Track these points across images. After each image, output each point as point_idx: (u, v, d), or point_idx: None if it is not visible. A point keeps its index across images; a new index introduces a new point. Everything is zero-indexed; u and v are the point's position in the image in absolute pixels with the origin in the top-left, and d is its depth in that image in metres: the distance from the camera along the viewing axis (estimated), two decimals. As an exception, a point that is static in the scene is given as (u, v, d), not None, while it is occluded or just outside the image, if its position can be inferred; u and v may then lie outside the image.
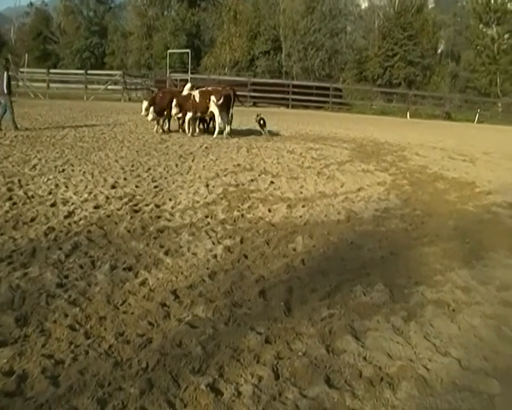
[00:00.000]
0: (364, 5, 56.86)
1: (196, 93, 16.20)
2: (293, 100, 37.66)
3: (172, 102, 16.05)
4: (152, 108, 16.61)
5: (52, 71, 40.83)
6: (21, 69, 41.07)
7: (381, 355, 3.80)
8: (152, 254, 5.68)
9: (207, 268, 5.38)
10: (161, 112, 16.86)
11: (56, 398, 3.23)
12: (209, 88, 17.07)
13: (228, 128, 16.42)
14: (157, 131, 16.98)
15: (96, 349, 3.75)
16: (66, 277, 4.99)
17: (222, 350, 3.79)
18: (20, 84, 35.91)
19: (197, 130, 17.12)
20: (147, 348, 3.80)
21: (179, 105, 16.04)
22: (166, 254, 5.73)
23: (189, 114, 16.32)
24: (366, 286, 4.98)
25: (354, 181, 10.24)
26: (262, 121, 17.19)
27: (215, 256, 5.73)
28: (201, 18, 55.37)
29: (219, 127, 16.25)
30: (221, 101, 15.59)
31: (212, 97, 15.69)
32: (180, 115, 16.66)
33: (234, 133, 16.84)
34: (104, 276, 5.02)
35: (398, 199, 8.98)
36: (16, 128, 15.44)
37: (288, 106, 37.63)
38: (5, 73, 15.49)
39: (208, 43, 54.69)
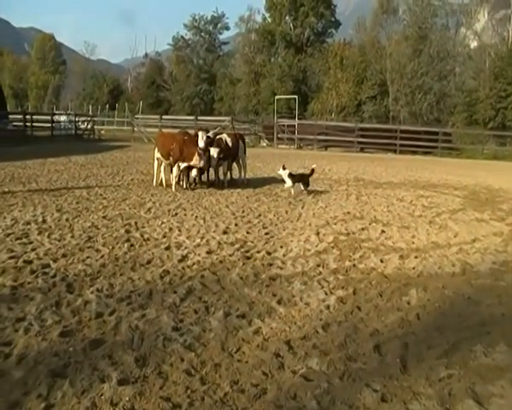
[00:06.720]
0: (474, 45, 54.91)
1: (226, 136, 15.16)
2: (400, 145, 37.09)
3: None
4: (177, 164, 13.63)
5: (164, 117, 43.10)
6: (136, 115, 43.71)
7: (509, 427, 3.54)
8: (265, 303, 5.70)
9: (320, 319, 5.31)
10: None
11: (174, 443, 3.29)
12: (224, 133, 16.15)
13: None
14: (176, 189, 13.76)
15: (211, 396, 3.79)
16: (182, 321, 5.12)
17: (337, 406, 3.71)
18: (136, 129, 38.12)
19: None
20: (261, 398, 3.79)
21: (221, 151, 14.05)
22: (279, 303, 5.73)
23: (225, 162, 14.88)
24: (487, 346, 4.67)
25: (468, 231, 9.79)
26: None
27: (328, 307, 5.66)
28: (308, 64, 56.28)
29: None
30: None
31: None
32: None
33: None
34: (218, 322, 5.09)
35: (517, 251, 8.49)
36: None
37: (395, 151, 37.12)
38: None
39: (315, 88, 55.29)
